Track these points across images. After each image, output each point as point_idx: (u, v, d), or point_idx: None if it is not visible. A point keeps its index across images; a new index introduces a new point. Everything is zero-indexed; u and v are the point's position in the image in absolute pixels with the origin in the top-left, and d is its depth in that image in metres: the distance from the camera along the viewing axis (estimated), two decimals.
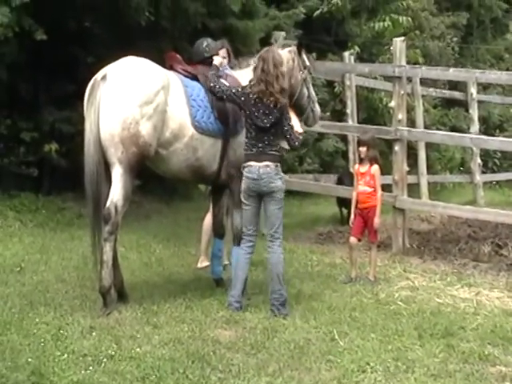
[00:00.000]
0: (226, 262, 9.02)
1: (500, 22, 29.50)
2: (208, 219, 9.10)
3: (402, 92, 11.59)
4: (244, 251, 7.55)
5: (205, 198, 9.84)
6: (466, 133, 17.77)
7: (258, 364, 5.80)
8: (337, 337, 6.57)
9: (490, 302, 8.37)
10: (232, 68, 8.32)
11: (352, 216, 9.32)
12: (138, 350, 5.91)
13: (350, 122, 15.41)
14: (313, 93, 8.41)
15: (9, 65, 11.87)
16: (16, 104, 12.81)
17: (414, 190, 15.14)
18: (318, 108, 8.44)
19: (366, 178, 9.19)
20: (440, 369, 5.89)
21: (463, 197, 18.83)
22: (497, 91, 24.37)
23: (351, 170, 13.60)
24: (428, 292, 8.68)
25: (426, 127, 17.01)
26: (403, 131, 11.51)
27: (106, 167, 7.04)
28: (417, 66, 14.71)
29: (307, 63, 8.26)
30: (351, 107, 15.81)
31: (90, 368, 5.47)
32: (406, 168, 11.73)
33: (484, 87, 23.19)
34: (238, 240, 7.99)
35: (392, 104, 11.85)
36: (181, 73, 7.74)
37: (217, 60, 7.89)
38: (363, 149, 9.26)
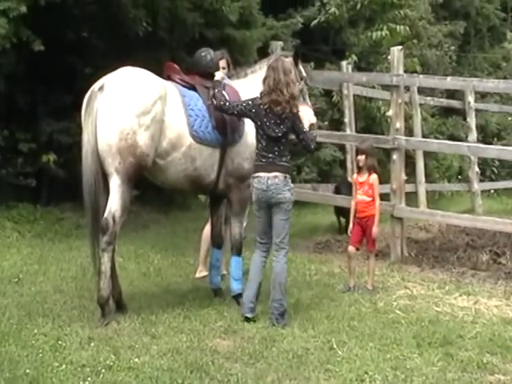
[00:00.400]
0: (225, 272, 9.01)
1: (497, 30, 29.56)
2: (207, 229, 9.08)
3: (400, 101, 11.62)
4: (259, 256, 7.57)
5: (204, 208, 9.83)
6: (463, 141, 17.77)
7: (256, 374, 5.79)
8: (335, 346, 6.57)
9: (489, 310, 8.36)
10: (230, 78, 8.33)
11: (350, 225, 9.32)
12: (136, 360, 5.91)
13: (348, 132, 15.39)
14: (309, 103, 8.40)
15: (6, 76, 11.86)
16: (14, 115, 12.80)
17: (412, 198, 15.14)
18: (314, 119, 8.41)
19: (365, 188, 9.19)
20: (439, 377, 5.89)
21: (461, 205, 18.84)
22: (494, 100, 24.38)
23: (349, 179, 13.62)
24: (426, 301, 8.67)
25: (423, 136, 17.04)
26: (401, 140, 11.52)
27: (104, 177, 7.03)
28: (414, 74, 14.74)
29: (304, 74, 8.26)
30: (349, 116, 15.80)
31: (89, 379, 5.46)
32: (404, 177, 11.74)
33: (482, 96, 23.17)
34: (236, 250, 8.01)
35: (390, 113, 11.86)
36: (179, 83, 7.75)
37: (218, 75, 7.87)
38: (362, 157, 9.27)
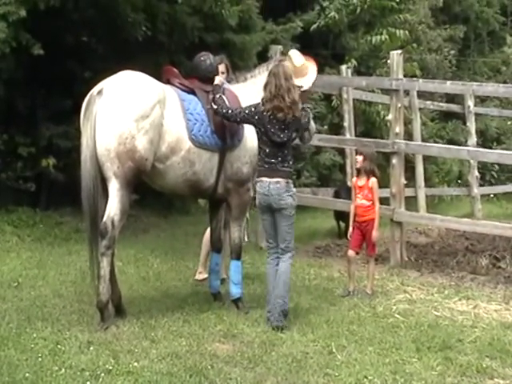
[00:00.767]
0: (224, 276, 9.00)
1: (497, 34, 29.58)
2: (209, 233, 9.08)
3: (400, 105, 11.63)
4: (271, 265, 7.58)
5: (204, 212, 9.83)
6: (463, 146, 17.78)
7: (255, 378, 5.79)
8: (334, 350, 6.56)
9: (488, 314, 8.36)
10: (229, 82, 8.33)
11: (350, 229, 9.32)
12: (135, 364, 5.90)
13: (348, 136, 15.40)
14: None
15: (6, 80, 11.86)
16: (13, 119, 12.80)
17: (411, 203, 15.14)
18: (313, 125, 8.30)
19: (364, 192, 9.19)
20: (438, 382, 5.90)
21: (461, 210, 18.85)
22: (494, 104, 24.37)
23: (349, 183, 13.61)
24: (426, 305, 8.67)
25: (423, 140, 17.07)
26: (401, 144, 11.53)
27: (103, 182, 7.03)
28: (414, 79, 14.73)
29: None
30: (349, 120, 15.81)
31: (88, 383, 5.46)
32: (404, 181, 11.75)
33: (481, 100, 23.21)
34: (235, 254, 8.01)
35: (389, 117, 11.89)
36: (178, 87, 7.75)
37: (217, 80, 7.88)
38: (359, 158, 9.29)
